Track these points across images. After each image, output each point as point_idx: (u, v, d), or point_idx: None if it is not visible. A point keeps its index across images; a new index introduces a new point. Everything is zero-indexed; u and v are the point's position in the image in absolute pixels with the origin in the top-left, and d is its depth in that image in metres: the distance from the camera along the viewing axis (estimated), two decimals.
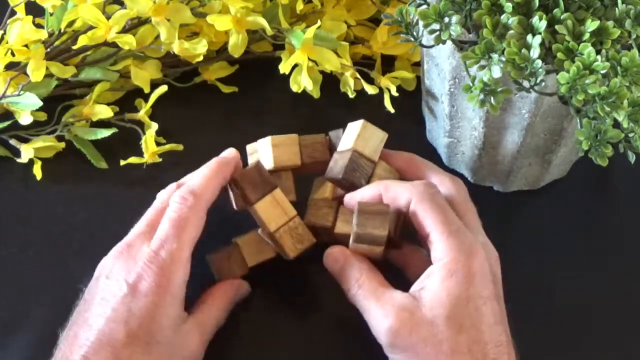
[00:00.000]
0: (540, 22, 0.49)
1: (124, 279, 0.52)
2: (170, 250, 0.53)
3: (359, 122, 0.58)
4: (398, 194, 0.55)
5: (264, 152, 0.60)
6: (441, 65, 0.58)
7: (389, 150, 0.59)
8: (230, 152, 0.59)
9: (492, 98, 0.51)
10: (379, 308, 0.52)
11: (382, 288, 0.53)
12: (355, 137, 0.57)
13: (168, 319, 0.52)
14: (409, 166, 0.59)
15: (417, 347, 0.50)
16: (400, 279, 0.55)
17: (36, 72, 0.64)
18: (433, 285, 0.52)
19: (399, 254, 0.58)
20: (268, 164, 0.59)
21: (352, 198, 0.57)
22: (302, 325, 0.60)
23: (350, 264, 0.55)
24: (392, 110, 0.67)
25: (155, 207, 0.57)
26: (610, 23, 0.49)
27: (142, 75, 0.68)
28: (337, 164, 0.58)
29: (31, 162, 0.66)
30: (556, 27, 0.49)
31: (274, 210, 0.56)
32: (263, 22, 0.65)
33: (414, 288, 0.53)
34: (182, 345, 0.53)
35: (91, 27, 0.65)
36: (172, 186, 0.58)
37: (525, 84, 0.50)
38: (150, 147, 0.66)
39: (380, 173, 0.58)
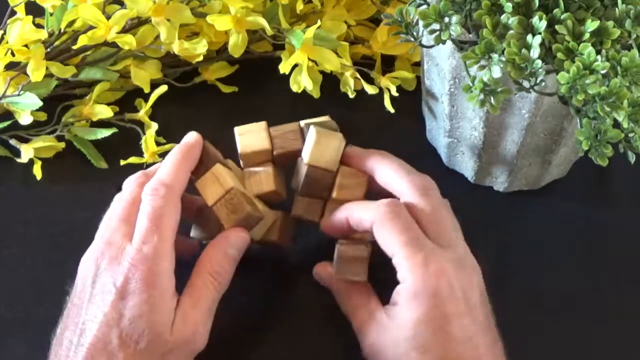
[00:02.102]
0: (540, 22, 0.49)
1: (111, 282, 0.52)
2: (152, 245, 0.52)
3: (313, 132, 0.57)
4: (362, 217, 0.55)
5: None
6: (441, 65, 0.58)
7: (355, 150, 0.59)
8: (192, 136, 0.58)
9: (492, 98, 0.51)
10: (361, 326, 0.55)
11: (366, 303, 0.55)
12: (309, 150, 0.57)
13: (161, 314, 0.52)
14: (375, 169, 0.58)
15: None
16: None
17: (36, 72, 0.64)
18: (399, 306, 0.52)
19: None
20: (239, 151, 0.59)
21: (324, 224, 0.58)
22: (296, 324, 0.61)
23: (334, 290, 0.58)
24: (392, 110, 0.67)
25: (125, 199, 0.56)
26: (610, 23, 0.49)
27: (142, 75, 0.68)
28: (298, 175, 0.59)
29: (31, 162, 0.66)
30: (556, 27, 0.49)
31: (212, 185, 0.56)
32: (263, 22, 0.65)
33: (390, 303, 0.54)
34: (179, 336, 0.52)
35: (91, 27, 0.65)
36: (139, 174, 0.57)
37: (525, 84, 0.50)
38: (150, 147, 0.66)
39: (343, 182, 0.58)
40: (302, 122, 0.60)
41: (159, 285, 0.52)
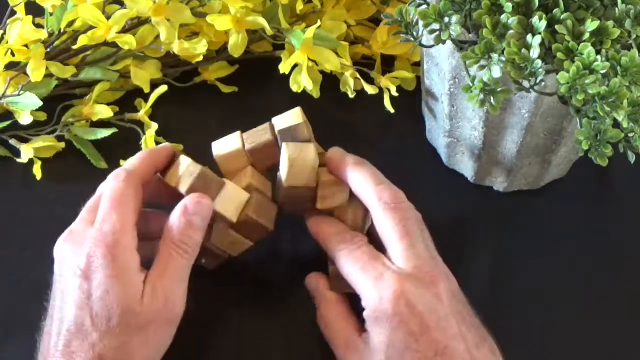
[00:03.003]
0: (540, 22, 0.49)
1: (75, 266, 0.52)
2: (111, 223, 0.53)
3: (285, 155, 0.57)
4: (327, 247, 0.57)
5: None
6: (441, 65, 0.58)
7: (333, 155, 0.58)
8: (165, 145, 0.61)
9: (492, 98, 0.51)
10: (340, 350, 0.55)
11: (344, 335, 0.55)
12: (286, 173, 0.56)
13: (128, 288, 0.52)
14: (348, 177, 0.57)
15: None
16: None
17: (36, 72, 0.64)
18: (369, 332, 0.53)
19: None
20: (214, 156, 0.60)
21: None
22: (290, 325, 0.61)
23: (319, 305, 0.58)
24: (392, 110, 0.67)
25: (94, 197, 0.57)
26: (610, 23, 0.49)
27: (142, 75, 0.68)
28: (280, 192, 0.59)
29: (31, 162, 0.66)
30: (556, 27, 0.49)
31: (174, 170, 0.57)
32: (263, 22, 0.65)
33: (364, 327, 0.54)
34: (151, 307, 0.52)
35: (91, 27, 0.65)
36: (113, 172, 0.58)
37: (525, 84, 0.50)
38: (150, 147, 0.66)
39: (324, 193, 0.58)
40: (273, 120, 0.59)
41: (121, 260, 0.52)
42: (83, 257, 0.52)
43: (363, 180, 0.56)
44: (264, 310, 0.61)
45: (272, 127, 0.59)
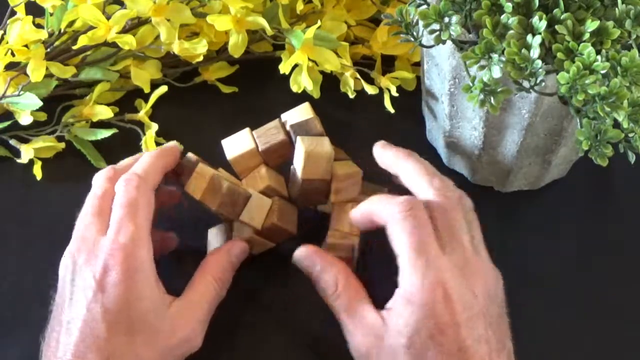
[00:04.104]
0: (540, 22, 0.49)
1: (91, 277, 0.52)
2: (128, 234, 0.52)
3: (301, 148, 0.57)
4: (380, 214, 0.55)
5: None
6: (441, 65, 0.58)
7: (382, 149, 0.59)
8: (170, 144, 0.60)
9: (492, 98, 0.51)
10: (350, 325, 0.53)
11: (356, 302, 0.54)
12: (301, 166, 0.57)
13: (145, 303, 0.52)
14: (400, 170, 0.57)
15: None
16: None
17: (36, 72, 0.64)
18: (395, 312, 0.52)
19: None
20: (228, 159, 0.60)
21: (352, 217, 0.57)
22: (290, 318, 0.61)
23: (324, 271, 0.55)
24: (392, 110, 0.67)
25: (95, 195, 0.56)
26: (610, 23, 0.49)
27: (142, 75, 0.68)
28: (294, 186, 0.59)
29: (31, 162, 0.66)
30: (556, 27, 0.49)
31: (196, 181, 0.57)
32: (263, 22, 0.65)
33: (386, 307, 0.53)
34: (170, 330, 0.52)
35: (91, 27, 0.65)
36: (107, 169, 0.57)
37: (525, 84, 0.50)
38: (150, 148, 0.66)
39: (339, 186, 0.58)
40: (283, 117, 0.60)
41: (138, 272, 0.52)
42: (98, 268, 0.52)
43: (415, 171, 0.56)
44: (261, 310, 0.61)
45: (283, 125, 0.60)
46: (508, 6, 0.49)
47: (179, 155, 0.59)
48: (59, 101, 0.69)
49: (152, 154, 0.58)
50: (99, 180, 0.57)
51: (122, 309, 0.51)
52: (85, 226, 0.54)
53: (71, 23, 0.67)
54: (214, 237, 0.61)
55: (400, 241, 0.52)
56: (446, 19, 0.51)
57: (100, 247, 0.52)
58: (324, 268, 0.55)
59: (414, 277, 0.51)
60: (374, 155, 0.59)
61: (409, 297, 0.51)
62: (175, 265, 0.59)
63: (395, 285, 0.53)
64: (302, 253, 0.57)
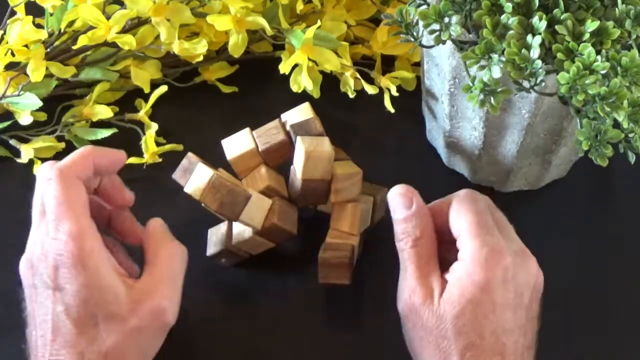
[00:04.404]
0: (540, 22, 0.49)
1: (46, 278, 0.52)
2: (66, 230, 0.51)
3: (301, 148, 0.57)
4: (447, 199, 0.56)
5: None
6: (441, 65, 0.58)
7: (437, 208, 0.57)
8: (113, 150, 0.59)
9: (492, 98, 0.51)
10: (414, 278, 0.53)
11: (426, 260, 0.54)
12: (302, 166, 0.57)
13: (104, 292, 0.51)
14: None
15: (422, 332, 0.52)
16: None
17: (36, 72, 0.64)
18: (452, 282, 0.52)
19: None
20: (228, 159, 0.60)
21: (390, 196, 0.56)
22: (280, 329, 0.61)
23: (417, 216, 0.54)
24: (392, 110, 0.67)
25: (36, 196, 0.55)
26: (610, 23, 0.49)
27: (142, 75, 0.68)
28: (293, 187, 0.59)
29: (31, 162, 0.66)
30: (556, 27, 0.49)
31: (198, 180, 0.57)
32: (263, 22, 0.65)
33: (447, 276, 0.53)
34: (135, 311, 0.52)
35: (91, 27, 0.65)
36: (44, 166, 0.55)
37: (525, 84, 0.50)
38: (150, 147, 0.66)
39: (339, 186, 0.58)
40: (283, 117, 0.60)
41: (89, 263, 0.51)
42: (50, 269, 0.52)
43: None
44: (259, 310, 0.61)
45: (283, 125, 0.60)
46: (508, 6, 0.49)
47: (119, 161, 0.58)
48: (59, 101, 0.69)
49: (82, 148, 0.56)
50: (37, 179, 0.55)
51: (81, 303, 0.51)
52: (33, 228, 0.54)
53: (71, 23, 0.67)
54: (214, 237, 0.61)
55: (465, 218, 0.53)
56: (446, 19, 0.51)
57: (47, 248, 0.52)
58: (417, 215, 0.55)
59: (479, 250, 0.52)
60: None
61: (469, 269, 0.52)
62: None
63: (393, 287, 0.53)
64: (401, 189, 0.56)
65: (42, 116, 0.68)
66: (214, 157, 0.60)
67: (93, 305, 0.51)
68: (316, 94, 0.66)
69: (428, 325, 0.52)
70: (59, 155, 0.67)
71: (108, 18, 0.64)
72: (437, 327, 0.51)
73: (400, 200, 0.55)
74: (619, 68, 0.48)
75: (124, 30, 0.66)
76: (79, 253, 0.51)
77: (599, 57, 0.47)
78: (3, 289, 0.62)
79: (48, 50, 0.67)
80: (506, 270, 0.52)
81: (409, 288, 0.53)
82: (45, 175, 0.54)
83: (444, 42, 0.52)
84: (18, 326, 0.60)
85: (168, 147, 0.66)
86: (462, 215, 0.53)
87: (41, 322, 0.52)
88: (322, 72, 0.67)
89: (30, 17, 0.66)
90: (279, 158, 0.60)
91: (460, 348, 0.50)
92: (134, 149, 0.66)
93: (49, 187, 0.53)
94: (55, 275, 0.51)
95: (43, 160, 0.66)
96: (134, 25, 0.67)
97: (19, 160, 0.66)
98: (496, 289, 0.51)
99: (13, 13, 0.67)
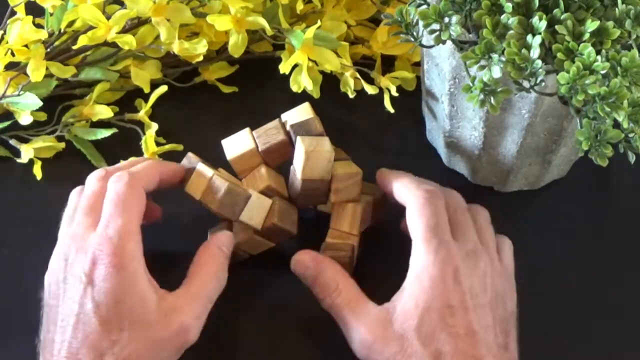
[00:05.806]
0: (540, 22, 0.49)
1: (81, 272, 0.52)
2: (116, 227, 0.52)
3: (301, 148, 0.57)
4: (400, 195, 0.56)
5: None
6: (441, 65, 0.58)
7: (385, 176, 0.59)
8: (175, 166, 0.60)
9: (492, 98, 0.51)
10: (354, 321, 0.53)
11: (357, 299, 0.54)
12: (301, 166, 0.57)
13: (135, 297, 0.51)
14: (390, 188, 0.58)
15: None
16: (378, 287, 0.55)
17: (36, 72, 0.64)
18: (406, 293, 0.52)
19: None
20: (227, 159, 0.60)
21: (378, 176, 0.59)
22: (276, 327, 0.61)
23: (324, 272, 0.56)
24: (392, 110, 0.67)
25: (87, 195, 0.56)
26: (610, 23, 0.49)
27: (142, 75, 0.68)
28: (293, 186, 0.59)
29: (31, 162, 0.66)
30: (556, 27, 0.49)
31: (196, 181, 0.58)
32: (263, 22, 0.65)
33: (392, 300, 0.53)
34: (162, 324, 0.52)
35: (91, 27, 0.65)
36: (99, 171, 0.58)
37: (525, 84, 0.50)
38: (150, 147, 0.66)
39: (339, 186, 0.58)
40: (283, 117, 0.60)
41: (128, 266, 0.52)
42: (87, 262, 0.52)
43: (403, 184, 0.57)
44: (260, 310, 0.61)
45: (283, 125, 0.60)
46: (508, 6, 0.49)
47: (179, 175, 0.59)
48: (59, 101, 0.69)
49: (150, 161, 0.59)
50: (91, 180, 0.57)
51: (112, 303, 0.51)
52: (76, 224, 0.55)
53: (71, 23, 0.67)
54: None
55: (417, 223, 0.54)
56: (446, 19, 0.51)
57: (89, 242, 0.52)
58: (323, 269, 0.56)
59: (427, 257, 0.52)
60: (377, 178, 0.60)
61: (420, 275, 0.52)
62: (175, 265, 0.59)
63: (393, 287, 0.53)
64: (300, 257, 0.57)
65: (42, 116, 0.68)
66: (214, 157, 0.60)
67: (123, 308, 0.51)
68: (316, 94, 0.66)
69: (392, 352, 0.51)
70: (59, 155, 0.67)
71: (108, 18, 0.64)
72: (403, 349, 0.51)
73: (301, 272, 0.57)
74: (619, 68, 0.48)
75: (124, 30, 0.66)
76: (121, 252, 0.52)
77: (599, 57, 0.47)
78: (4, 289, 0.62)
79: (48, 50, 0.67)
80: (456, 272, 0.52)
81: (357, 334, 0.53)
82: (118, 175, 0.55)
83: (444, 42, 0.52)
84: (21, 327, 0.60)
85: (168, 147, 0.66)
86: (415, 219, 0.54)
87: (64, 318, 0.51)
88: (322, 72, 0.67)
89: (30, 17, 0.66)
90: (279, 158, 0.60)
91: (433, 356, 0.50)
92: (134, 149, 0.66)
93: (117, 183, 0.54)
94: (93, 269, 0.51)
95: (43, 160, 0.66)
96: (134, 25, 0.67)
97: (19, 160, 0.66)
98: (450, 292, 0.51)
99: (13, 13, 0.67)
